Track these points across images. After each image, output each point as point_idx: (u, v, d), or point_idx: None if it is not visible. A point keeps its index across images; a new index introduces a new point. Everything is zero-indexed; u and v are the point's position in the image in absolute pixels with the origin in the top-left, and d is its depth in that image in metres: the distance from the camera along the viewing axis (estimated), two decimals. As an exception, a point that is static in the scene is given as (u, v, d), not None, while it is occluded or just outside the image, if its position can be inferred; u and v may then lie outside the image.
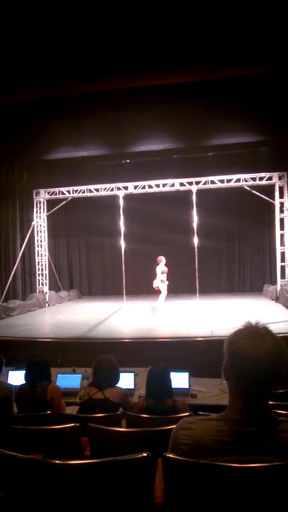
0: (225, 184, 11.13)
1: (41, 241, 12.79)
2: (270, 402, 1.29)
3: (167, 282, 9.84)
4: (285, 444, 1.19)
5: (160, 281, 9.77)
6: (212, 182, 11.16)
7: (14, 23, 5.48)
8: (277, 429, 1.22)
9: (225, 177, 11.07)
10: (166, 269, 9.89)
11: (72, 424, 2.30)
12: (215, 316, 8.56)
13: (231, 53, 6.35)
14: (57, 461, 1.41)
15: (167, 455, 1.26)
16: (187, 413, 2.63)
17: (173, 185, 11.31)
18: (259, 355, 1.19)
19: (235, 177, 11.04)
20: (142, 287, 13.88)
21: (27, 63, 6.46)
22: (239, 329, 1.29)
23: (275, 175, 11.04)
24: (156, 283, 9.82)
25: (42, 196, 12.52)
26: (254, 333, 1.24)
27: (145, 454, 1.39)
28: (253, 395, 1.23)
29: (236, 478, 1.17)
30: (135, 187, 11.54)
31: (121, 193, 11.62)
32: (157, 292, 10.04)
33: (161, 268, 9.82)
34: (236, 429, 1.22)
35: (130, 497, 1.44)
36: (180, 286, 12.75)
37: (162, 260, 9.89)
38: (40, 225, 12.77)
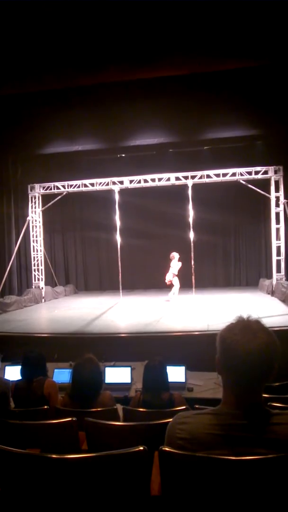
0: (221, 178, 11.13)
1: (36, 236, 12.75)
2: (265, 395, 1.30)
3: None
4: (279, 436, 1.20)
5: (173, 275, 10.49)
6: (208, 176, 11.15)
7: (8, 17, 5.42)
8: (270, 422, 1.23)
9: (220, 171, 11.06)
10: (180, 264, 10.64)
11: (69, 419, 2.30)
12: (211, 311, 8.60)
13: (226, 46, 6.31)
14: (54, 456, 1.42)
15: (163, 448, 1.27)
16: (184, 407, 2.64)
17: (168, 179, 11.30)
18: (251, 351, 1.19)
19: (230, 171, 11.03)
20: (138, 282, 13.95)
21: (21, 57, 6.40)
22: (231, 324, 1.28)
23: (271, 169, 11.05)
24: (168, 277, 10.51)
25: (37, 191, 12.46)
26: (246, 328, 1.23)
27: (141, 448, 1.40)
28: (246, 390, 1.24)
29: (231, 471, 1.18)
30: (131, 181, 11.51)
31: (116, 188, 11.59)
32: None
33: (176, 263, 10.50)
34: (228, 422, 1.23)
35: (127, 490, 1.45)
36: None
37: (176, 256, 10.58)
38: (35, 220, 12.72)
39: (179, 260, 10.66)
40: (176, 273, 10.61)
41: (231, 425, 1.23)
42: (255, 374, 1.21)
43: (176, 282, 10.59)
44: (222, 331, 1.28)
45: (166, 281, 10.61)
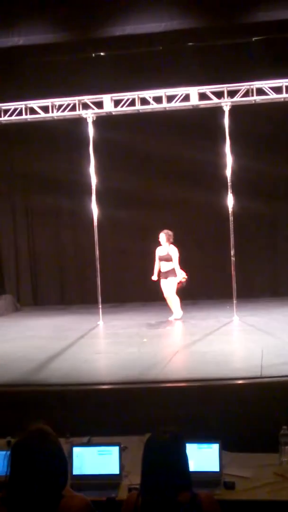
0: (283, 95, 11.07)
1: None
2: None
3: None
4: None
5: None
6: (260, 91, 11.08)
7: None
8: None
9: (283, 82, 11.00)
10: (170, 253, 10.64)
11: None
12: (266, 341, 8.63)
13: None
14: None
15: None
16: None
17: (187, 97, 11.24)
18: None
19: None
20: (131, 290, 13.94)
21: None
22: None
23: None
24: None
25: None
26: None
27: None
28: None
29: None
30: (117, 102, 11.46)
31: (90, 114, 11.54)
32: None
33: (158, 253, 10.81)
34: None
35: None
36: (202, 287, 12.81)
37: (160, 238, 10.79)
38: None
39: (176, 245, 10.70)
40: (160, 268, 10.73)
41: None
42: None
43: (163, 288, 10.79)
44: None
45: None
